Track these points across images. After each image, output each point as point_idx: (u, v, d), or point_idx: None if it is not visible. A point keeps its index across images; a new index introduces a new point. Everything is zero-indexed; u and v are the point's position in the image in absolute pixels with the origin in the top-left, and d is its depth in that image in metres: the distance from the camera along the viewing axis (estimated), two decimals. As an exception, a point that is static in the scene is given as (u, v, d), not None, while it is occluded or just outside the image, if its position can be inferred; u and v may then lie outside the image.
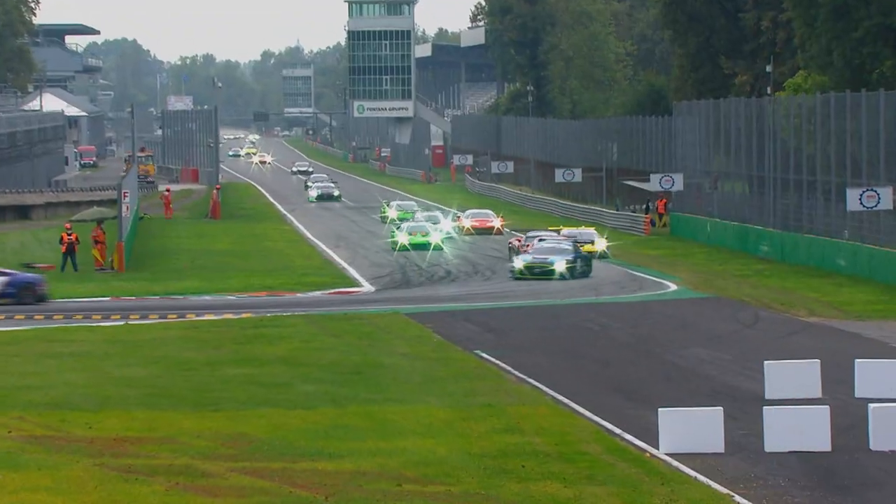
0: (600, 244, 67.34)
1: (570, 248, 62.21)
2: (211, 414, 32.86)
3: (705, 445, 26.99)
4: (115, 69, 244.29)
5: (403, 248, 63.18)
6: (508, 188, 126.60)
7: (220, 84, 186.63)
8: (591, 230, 72.58)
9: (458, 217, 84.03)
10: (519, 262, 60.71)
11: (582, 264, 65.40)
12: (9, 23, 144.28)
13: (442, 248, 63.66)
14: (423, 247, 64.01)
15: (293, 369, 40.01)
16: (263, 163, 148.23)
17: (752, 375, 35.53)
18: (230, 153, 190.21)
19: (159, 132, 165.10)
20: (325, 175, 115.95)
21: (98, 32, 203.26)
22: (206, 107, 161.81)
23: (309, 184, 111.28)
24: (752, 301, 59.28)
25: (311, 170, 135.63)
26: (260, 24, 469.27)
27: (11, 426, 30.42)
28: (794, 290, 60.98)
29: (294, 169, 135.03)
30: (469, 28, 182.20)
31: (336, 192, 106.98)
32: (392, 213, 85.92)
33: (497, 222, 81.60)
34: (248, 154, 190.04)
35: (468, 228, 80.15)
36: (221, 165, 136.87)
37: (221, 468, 25.69)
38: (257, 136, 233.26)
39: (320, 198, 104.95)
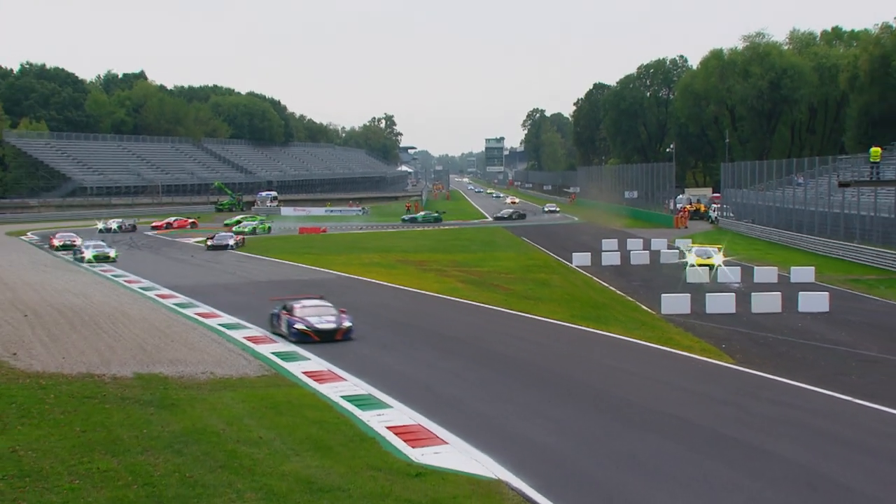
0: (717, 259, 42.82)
1: None
2: (447, 254, 53.00)
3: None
4: (419, 157, 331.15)
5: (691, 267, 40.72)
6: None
7: (440, 166, 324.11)
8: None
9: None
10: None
11: None
12: (392, 146, 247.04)
13: (720, 266, 40.53)
14: (709, 266, 41.07)
15: (470, 244, 61.34)
16: (514, 203, 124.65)
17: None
18: (470, 187, 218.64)
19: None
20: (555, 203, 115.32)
21: (415, 148, 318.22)
22: (441, 168, 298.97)
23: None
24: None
25: (556, 210, 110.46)
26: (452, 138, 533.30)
27: (393, 258, 50.14)
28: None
29: (545, 209, 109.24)
30: (519, 145, 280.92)
31: None
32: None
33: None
34: (492, 193, 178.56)
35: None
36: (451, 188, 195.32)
37: (451, 269, 44.63)
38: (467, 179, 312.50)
39: None
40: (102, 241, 54.02)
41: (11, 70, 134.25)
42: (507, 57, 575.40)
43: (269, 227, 75.79)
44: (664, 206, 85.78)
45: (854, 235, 50.34)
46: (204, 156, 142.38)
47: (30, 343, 23.39)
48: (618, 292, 37.42)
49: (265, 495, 12.50)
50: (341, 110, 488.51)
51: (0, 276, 39.49)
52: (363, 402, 18.38)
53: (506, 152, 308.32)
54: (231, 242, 58.28)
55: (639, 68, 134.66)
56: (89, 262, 47.62)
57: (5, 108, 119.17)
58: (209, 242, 58.88)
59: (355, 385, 19.89)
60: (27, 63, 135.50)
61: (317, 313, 25.77)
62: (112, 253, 49.31)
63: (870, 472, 14.20)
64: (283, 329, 25.63)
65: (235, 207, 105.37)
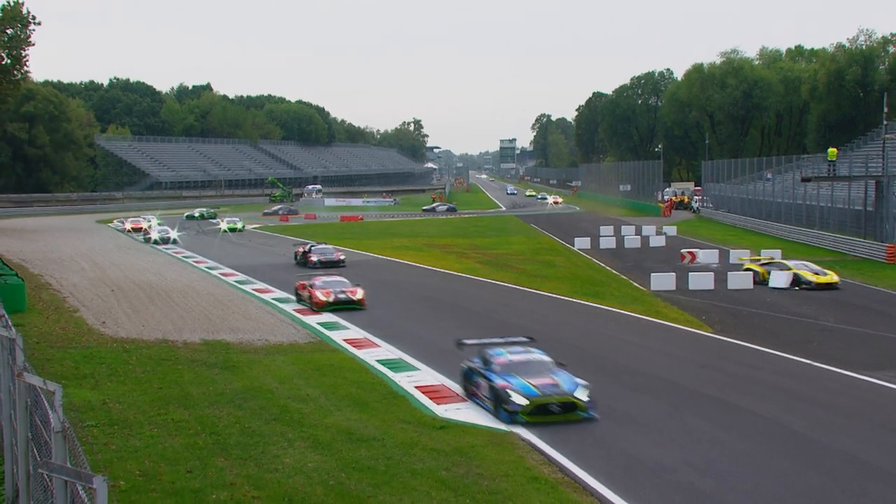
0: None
1: None
2: (466, 239, 50.71)
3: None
4: (443, 155, 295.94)
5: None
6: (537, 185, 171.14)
7: (461, 163, 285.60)
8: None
9: None
10: None
11: None
12: (420, 145, 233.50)
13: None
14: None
15: (486, 230, 58.57)
16: (557, 203, 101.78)
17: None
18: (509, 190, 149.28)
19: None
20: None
21: (439, 147, 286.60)
22: (461, 165, 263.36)
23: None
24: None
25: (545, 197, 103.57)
26: (471, 138, 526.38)
27: (420, 242, 48.98)
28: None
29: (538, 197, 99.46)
30: (528, 145, 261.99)
31: None
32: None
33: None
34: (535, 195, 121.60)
35: None
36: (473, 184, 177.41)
37: (470, 252, 43.15)
38: (485, 175, 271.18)
39: None
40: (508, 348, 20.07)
41: (102, 84, 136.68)
42: (518, 68, 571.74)
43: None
44: (653, 197, 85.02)
45: (814, 223, 49.74)
46: (259, 155, 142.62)
47: (116, 314, 23.55)
48: (613, 271, 36.92)
49: (312, 444, 12.52)
50: (376, 115, 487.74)
51: (91, 258, 39.89)
52: (395, 365, 18.24)
53: (517, 151, 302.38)
54: (342, 256, 38.24)
55: (632, 79, 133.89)
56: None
57: (97, 116, 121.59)
58: (313, 258, 37.08)
59: (388, 350, 19.79)
60: (115, 78, 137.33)
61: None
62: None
63: (826, 424, 14.04)
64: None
65: (286, 198, 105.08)
